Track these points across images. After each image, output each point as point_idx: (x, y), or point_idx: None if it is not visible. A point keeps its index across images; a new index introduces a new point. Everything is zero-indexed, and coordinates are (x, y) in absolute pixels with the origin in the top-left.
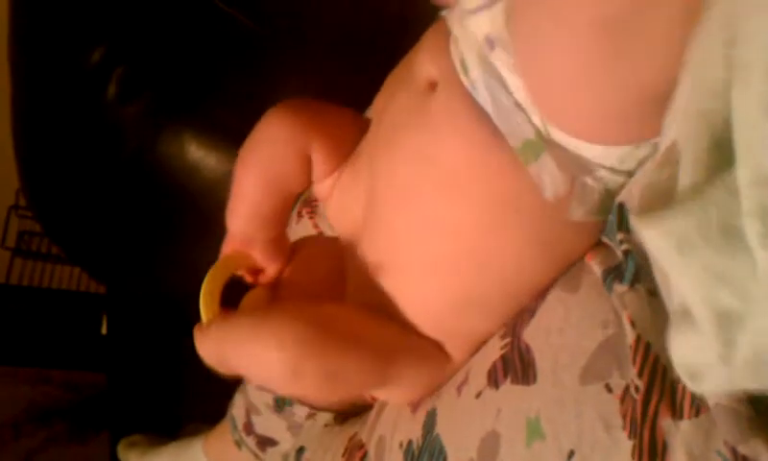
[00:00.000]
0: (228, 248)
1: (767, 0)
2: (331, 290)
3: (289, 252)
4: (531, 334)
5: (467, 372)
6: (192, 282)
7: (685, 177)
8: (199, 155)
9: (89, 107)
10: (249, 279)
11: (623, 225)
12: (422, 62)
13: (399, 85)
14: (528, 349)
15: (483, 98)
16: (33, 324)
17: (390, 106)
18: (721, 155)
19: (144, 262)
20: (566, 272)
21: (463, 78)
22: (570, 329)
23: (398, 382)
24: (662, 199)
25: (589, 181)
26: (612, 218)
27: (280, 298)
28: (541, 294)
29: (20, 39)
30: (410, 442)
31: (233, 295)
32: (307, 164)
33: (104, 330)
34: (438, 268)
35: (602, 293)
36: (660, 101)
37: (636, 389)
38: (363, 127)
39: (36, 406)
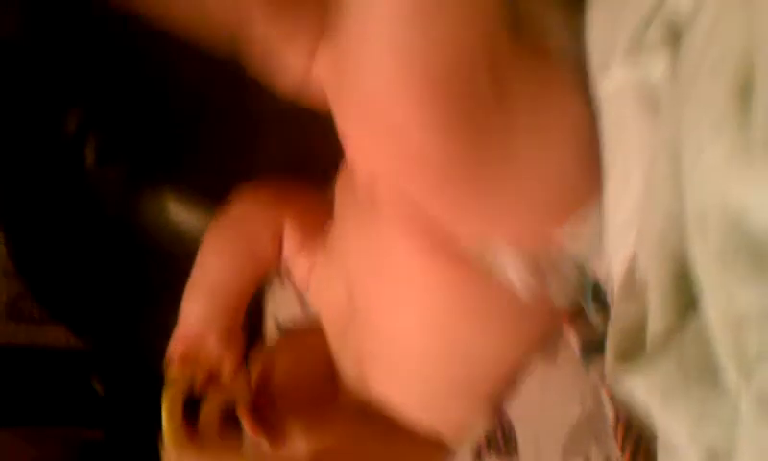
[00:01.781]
0: (179, 344)
1: (700, 133)
2: (323, 387)
3: (271, 356)
4: (513, 409)
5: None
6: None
7: (656, 319)
8: (181, 217)
9: (68, 173)
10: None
11: (598, 295)
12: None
13: (352, 192)
14: (510, 424)
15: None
16: (29, 383)
17: (349, 213)
18: (687, 289)
19: (128, 324)
20: None
21: None
22: (549, 406)
23: None
24: (636, 341)
25: (559, 264)
26: (586, 286)
27: (274, 408)
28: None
29: None
30: None
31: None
32: (278, 241)
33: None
34: (422, 364)
35: (578, 366)
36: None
37: None
38: (329, 202)
39: None
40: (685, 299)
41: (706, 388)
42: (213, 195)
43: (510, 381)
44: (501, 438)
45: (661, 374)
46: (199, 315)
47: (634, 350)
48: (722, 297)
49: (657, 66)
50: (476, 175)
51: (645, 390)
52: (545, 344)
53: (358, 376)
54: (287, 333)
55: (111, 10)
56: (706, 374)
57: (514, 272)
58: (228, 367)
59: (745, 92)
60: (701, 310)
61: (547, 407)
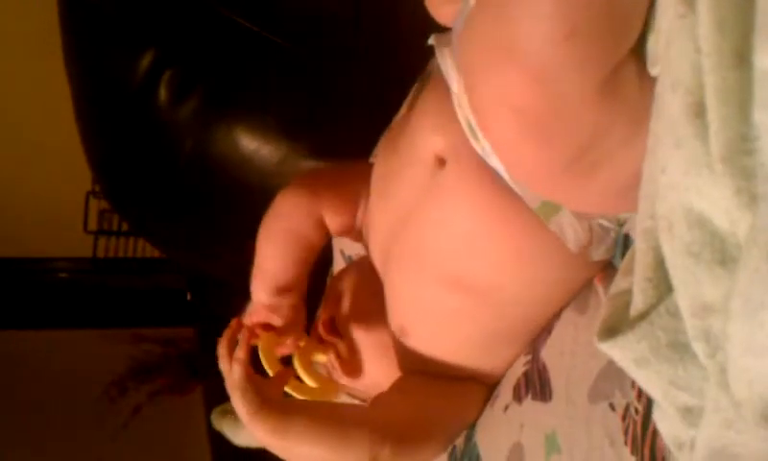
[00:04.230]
0: (252, 318)
1: (664, 148)
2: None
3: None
4: (547, 353)
5: (499, 386)
6: (246, 267)
7: (637, 297)
8: (252, 147)
9: (143, 110)
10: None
11: (627, 246)
12: (426, 134)
13: (403, 157)
14: (545, 367)
15: (495, 162)
16: (124, 290)
17: (396, 180)
18: (663, 276)
19: (202, 240)
20: None
21: (473, 142)
22: (579, 351)
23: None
24: (620, 316)
25: (605, 222)
26: (618, 237)
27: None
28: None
29: (72, 51)
30: (454, 446)
31: None
32: (321, 224)
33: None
34: (458, 320)
35: None
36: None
37: (636, 411)
38: (369, 174)
39: (138, 363)
40: (661, 283)
41: (675, 361)
42: (283, 124)
43: (545, 328)
44: (538, 381)
45: (635, 349)
46: (267, 302)
47: (617, 324)
48: (690, 287)
49: None
50: (585, 151)
51: (621, 360)
52: (578, 295)
53: (402, 345)
54: (353, 264)
55: None
56: (676, 350)
57: (570, 228)
58: (292, 336)
59: (700, 110)
60: (671, 297)
61: (578, 354)
